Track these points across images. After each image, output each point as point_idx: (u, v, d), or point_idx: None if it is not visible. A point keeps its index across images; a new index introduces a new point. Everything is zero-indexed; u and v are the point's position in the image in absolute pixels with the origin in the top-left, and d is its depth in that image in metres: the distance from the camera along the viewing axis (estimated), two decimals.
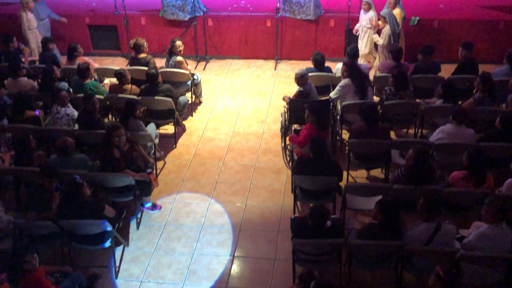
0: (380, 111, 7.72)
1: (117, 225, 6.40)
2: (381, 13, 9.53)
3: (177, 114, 8.54)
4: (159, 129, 8.54)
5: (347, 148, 7.63)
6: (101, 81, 9.30)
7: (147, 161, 7.21)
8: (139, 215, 7.14)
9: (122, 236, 6.61)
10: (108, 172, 6.70)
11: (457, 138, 6.87)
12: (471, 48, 8.51)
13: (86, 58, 9.66)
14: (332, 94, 8.08)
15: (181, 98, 8.85)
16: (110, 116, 8.77)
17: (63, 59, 9.69)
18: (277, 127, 8.91)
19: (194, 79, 9.40)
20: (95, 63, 9.76)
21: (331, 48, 11.08)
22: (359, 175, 7.76)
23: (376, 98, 8.55)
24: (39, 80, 9.09)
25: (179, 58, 9.19)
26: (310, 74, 8.27)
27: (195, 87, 9.53)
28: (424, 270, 5.54)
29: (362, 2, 9.92)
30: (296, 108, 7.85)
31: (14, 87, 8.48)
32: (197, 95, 9.73)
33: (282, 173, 7.95)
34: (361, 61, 9.64)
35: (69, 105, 7.87)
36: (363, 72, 8.20)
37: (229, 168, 8.10)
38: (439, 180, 6.50)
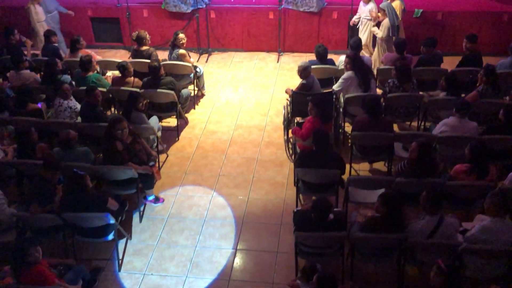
0: (383, 103, 7.70)
1: (120, 218, 6.40)
2: (381, 5, 9.48)
3: (180, 107, 8.53)
4: (161, 122, 8.54)
5: (349, 141, 7.62)
6: (104, 73, 9.29)
7: (149, 154, 7.22)
8: (142, 208, 7.16)
9: (125, 229, 6.61)
10: (111, 165, 6.70)
11: (461, 131, 6.85)
12: (475, 40, 8.46)
13: (89, 51, 9.64)
14: (335, 87, 8.05)
15: (184, 91, 8.84)
16: (112, 109, 8.77)
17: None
18: (279, 120, 8.90)
19: (196, 71, 9.38)
20: (98, 55, 9.75)
21: (334, 40, 11.05)
22: (362, 168, 7.75)
23: (379, 91, 8.53)
24: (42, 73, 9.10)
25: (182, 51, 9.17)
26: (313, 66, 8.24)
27: (198, 79, 9.52)
28: (426, 263, 5.54)
29: None
30: (299, 101, 7.83)
31: (16, 80, 8.48)
32: (200, 87, 9.71)
33: (285, 166, 7.95)
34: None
35: (72, 98, 7.86)
36: (366, 64, 8.17)
37: (232, 161, 8.10)
38: (442, 173, 6.49)
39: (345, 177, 6.67)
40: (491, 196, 5.39)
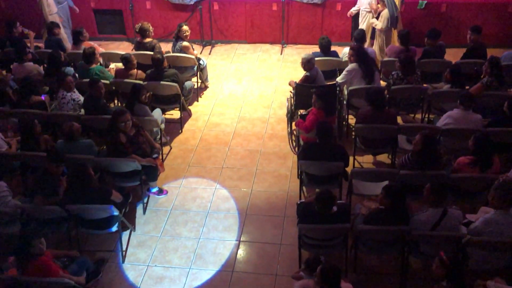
0: (387, 96, 7.67)
1: (123, 210, 6.42)
2: None
3: (183, 99, 8.52)
4: (165, 114, 8.54)
5: (353, 133, 7.61)
6: (107, 66, 9.28)
7: (153, 146, 7.22)
8: (145, 200, 7.17)
9: (128, 221, 6.63)
10: (115, 157, 6.71)
11: (465, 123, 6.83)
12: (480, 32, 8.42)
13: (92, 43, 9.63)
14: (339, 79, 8.03)
15: (187, 83, 8.83)
16: (116, 101, 8.77)
17: None
18: (283, 112, 8.89)
19: (199, 64, 9.36)
20: (101, 47, 9.74)
21: (338, 32, 11.01)
22: (366, 160, 7.74)
23: (383, 83, 8.50)
24: (45, 65, 9.09)
25: (185, 43, 9.15)
26: (316, 58, 8.22)
27: (201, 71, 9.50)
28: (430, 255, 5.53)
29: None
30: (302, 93, 7.82)
31: (20, 72, 8.48)
32: (203, 80, 9.70)
33: (288, 158, 7.95)
34: None
35: (75, 90, 7.86)
36: (370, 56, 8.14)
37: (235, 153, 8.10)
38: (446, 166, 6.47)
39: (348, 169, 6.66)
40: (495, 188, 5.38)
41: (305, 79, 7.97)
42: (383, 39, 9.55)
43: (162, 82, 8.16)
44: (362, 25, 9.89)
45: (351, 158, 6.98)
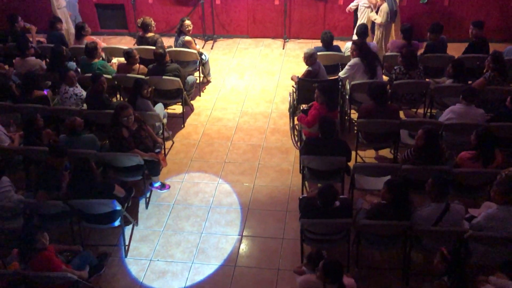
0: (389, 90, 7.67)
1: (126, 204, 6.43)
2: None
3: (185, 94, 8.52)
4: (167, 109, 8.54)
5: (355, 128, 7.61)
6: (109, 60, 9.28)
7: (155, 141, 7.23)
8: (148, 195, 7.19)
9: (131, 215, 6.64)
10: (117, 151, 6.72)
11: (467, 118, 6.82)
12: (482, 26, 8.40)
13: (94, 38, 9.63)
14: (341, 74, 8.02)
15: (189, 78, 8.83)
16: (118, 96, 8.77)
17: None
18: (285, 107, 8.89)
19: (201, 58, 9.35)
20: (103, 42, 9.73)
21: (340, 27, 10.98)
22: (368, 155, 7.74)
23: (385, 78, 8.49)
24: (47, 60, 9.09)
25: (188, 37, 9.14)
26: (318, 53, 8.21)
27: (203, 66, 9.49)
28: (432, 250, 5.53)
29: None
30: (305, 88, 7.82)
31: (22, 67, 8.48)
32: (205, 74, 9.69)
33: (290, 153, 7.95)
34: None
35: (77, 84, 7.86)
36: (372, 51, 8.13)
37: (237, 148, 8.10)
38: (449, 161, 6.47)
39: (351, 164, 6.67)
40: (497, 184, 5.38)
41: (307, 74, 7.97)
42: (382, 33, 9.52)
43: (164, 77, 8.16)
44: (361, 21, 9.85)
45: (353, 153, 6.98)
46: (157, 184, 7.30)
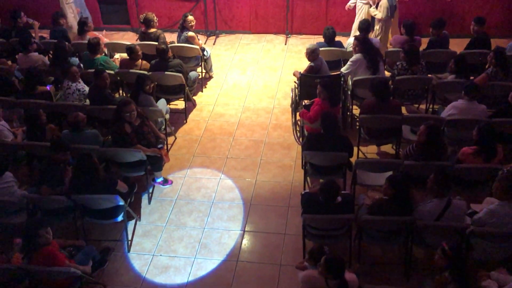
0: (392, 86, 7.66)
1: (129, 199, 6.46)
2: None
3: (188, 89, 8.53)
4: (169, 105, 8.55)
5: (357, 123, 7.61)
6: (111, 56, 9.29)
7: (158, 136, 7.25)
8: (150, 190, 7.21)
9: (134, 211, 6.67)
10: (120, 147, 6.74)
11: (469, 114, 6.82)
12: (483, 23, 8.39)
13: (96, 33, 9.64)
14: (344, 69, 8.02)
15: (191, 73, 8.83)
16: (120, 91, 8.78)
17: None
18: (287, 103, 8.89)
19: (204, 54, 9.35)
20: (105, 37, 9.74)
21: (342, 22, 10.95)
22: (370, 151, 7.75)
23: (387, 73, 8.48)
24: (50, 55, 9.11)
25: (191, 33, 9.14)
26: (321, 48, 8.20)
27: (205, 62, 9.50)
28: (434, 246, 5.54)
29: None
30: (307, 83, 7.82)
31: (25, 62, 8.49)
32: (207, 70, 9.70)
33: (292, 148, 7.96)
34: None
35: (80, 80, 7.88)
36: (375, 46, 8.12)
37: (240, 143, 8.12)
38: (451, 156, 6.48)
39: (353, 160, 6.67)
40: (499, 180, 5.39)
41: (309, 70, 7.96)
42: (382, 28, 9.51)
43: (166, 73, 8.17)
44: (358, 17, 9.81)
45: (355, 149, 6.99)
46: (159, 180, 7.32)
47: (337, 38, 8.83)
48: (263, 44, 11.03)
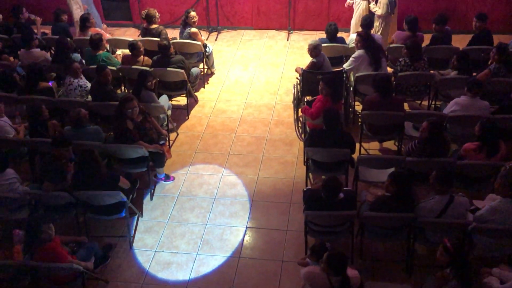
0: (394, 82, 7.65)
1: (131, 196, 6.46)
2: None
3: (190, 86, 8.53)
4: (171, 101, 8.55)
5: (360, 120, 7.60)
6: (113, 52, 9.29)
7: (160, 133, 7.25)
8: (152, 186, 7.21)
9: (136, 207, 6.68)
10: (122, 143, 6.74)
11: (472, 110, 6.80)
12: (485, 19, 8.35)
13: (98, 29, 9.63)
14: (346, 66, 8.00)
15: (193, 69, 8.82)
16: (122, 88, 8.78)
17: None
18: (289, 99, 8.88)
19: (206, 50, 9.34)
20: (107, 33, 9.73)
21: (345, 18, 10.90)
22: (372, 147, 7.75)
23: (389, 70, 8.47)
24: (52, 51, 9.10)
25: (194, 29, 9.13)
26: (323, 45, 8.18)
27: (207, 58, 9.49)
28: (436, 242, 5.55)
29: None
30: (309, 80, 7.81)
31: (27, 58, 8.49)
32: (209, 66, 9.69)
33: (294, 145, 7.96)
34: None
35: (82, 76, 7.87)
36: (377, 43, 8.10)
37: (241, 139, 8.11)
38: (453, 153, 6.47)
39: (355, 156, 6.67)
40: (501, 176, 5.38)
41: (311, 66, 7.95)
42: (381, 24, 9.48)
43: (168, 69, 8.17)
44: (356, 14, 9.78)
45: (357, 145, 6.98)
46: (161, 176, 7.33)
47: (339, 34, 8.81)
48: (265, 40, 11.01)
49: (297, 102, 8.25)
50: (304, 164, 7.19)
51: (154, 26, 9.16)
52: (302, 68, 8.01)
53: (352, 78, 8.02)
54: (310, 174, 7.10)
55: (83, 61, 8.61)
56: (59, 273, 5.41)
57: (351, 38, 8.68)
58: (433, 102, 8.04)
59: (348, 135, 6.66)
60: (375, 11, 9.41)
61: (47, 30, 9.99)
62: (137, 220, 6.74)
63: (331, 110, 6.57)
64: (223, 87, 9.43)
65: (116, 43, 9.44)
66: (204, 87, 9.41)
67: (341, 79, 7.86)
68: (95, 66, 7.85)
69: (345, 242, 6.03)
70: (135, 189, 6.62)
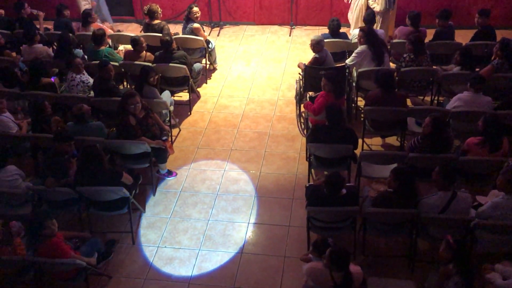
0: (397, 78, 7.63)
1: (134, 191, 6.46)
2: None
3: (192, 81, 8.52)
4: (173, 96, 8.55)
5: (362, 115, 7.59)
6: (116, 47, 9.28)
7: (162, 128, 7.25)
8: (155, 182, 7.21)
9: (138, 203, 6.69)
10: (124, 139, 6.75)
11: (475, 106, 6.79)
12: (487, 15, 8.33)
13: (101, 24, 9.62)
14: (348, 61, 7.99)
15: (196, 65, 8.82)
16: (125, 83, 8.78)
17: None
18: (291, 94, 8.87)
19: (208, 46, 9.33)
20: (110, 29, 9.72)
21: (347, 13, 10.89)
22: (374, 143, 7.74)
23: (392, 65, 8.45)
24: (54, 47, 9.09)
25: (196, 25, 9.11)
26: (325, 40, 8.17)
27: (209, 53, 9.47)
28: (438, 238, 5.54)
29: None
30: (311, 75, 7.80)
31: (29, 54, 8.49)
32: (212, 61, 9.68)
33: (297, 140, 7.95)
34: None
35: (84, 72, 7.87)
36: (380, 38, 8.08)
37: (244, 135, 8.11)
38: (456, 149, 6.46)
39: (357, 152, 6.66)
40: (503, 173, 5.37)
41: (314, 61, 7.94)
42: (380, 21, 9.45)
43: (171, 64, 8.16)
44: (354, 9, 9.74)
45: (360, 141, 6.97)
46: (164, 172, 7.33)
47: (342, 30, 8.79)
48: (267, 36, 10.99)
49: (300, 97, 8.24)
50: (307, 160, 7.18)
51: (156, 21, 9.15)
52: (305, 64, 7.99)
53: (355, 74, 8.00)
54: (312, 170, 7.10)
55: (85, 56, 8.60)
56: (62, 268, 5.43)
57: (353, 33, 8.66)
58: (436, 98, 8.03)
59: (351, 130, 6.65)
60: (374, 8, 9.39)
61: (50, 25, 9.98)
62: (140, 215, 6.75)
63: (334, 106, 6.56)
64: (225, 83, 9.42)
65: (119, 39, 9.43)
66: (206, 83, 9.41)
67: (344, 74, 7.85)
68: (97, 61, 7.84)
69: (348, 238, 6.04)
70: (137, 185, 6.62)
